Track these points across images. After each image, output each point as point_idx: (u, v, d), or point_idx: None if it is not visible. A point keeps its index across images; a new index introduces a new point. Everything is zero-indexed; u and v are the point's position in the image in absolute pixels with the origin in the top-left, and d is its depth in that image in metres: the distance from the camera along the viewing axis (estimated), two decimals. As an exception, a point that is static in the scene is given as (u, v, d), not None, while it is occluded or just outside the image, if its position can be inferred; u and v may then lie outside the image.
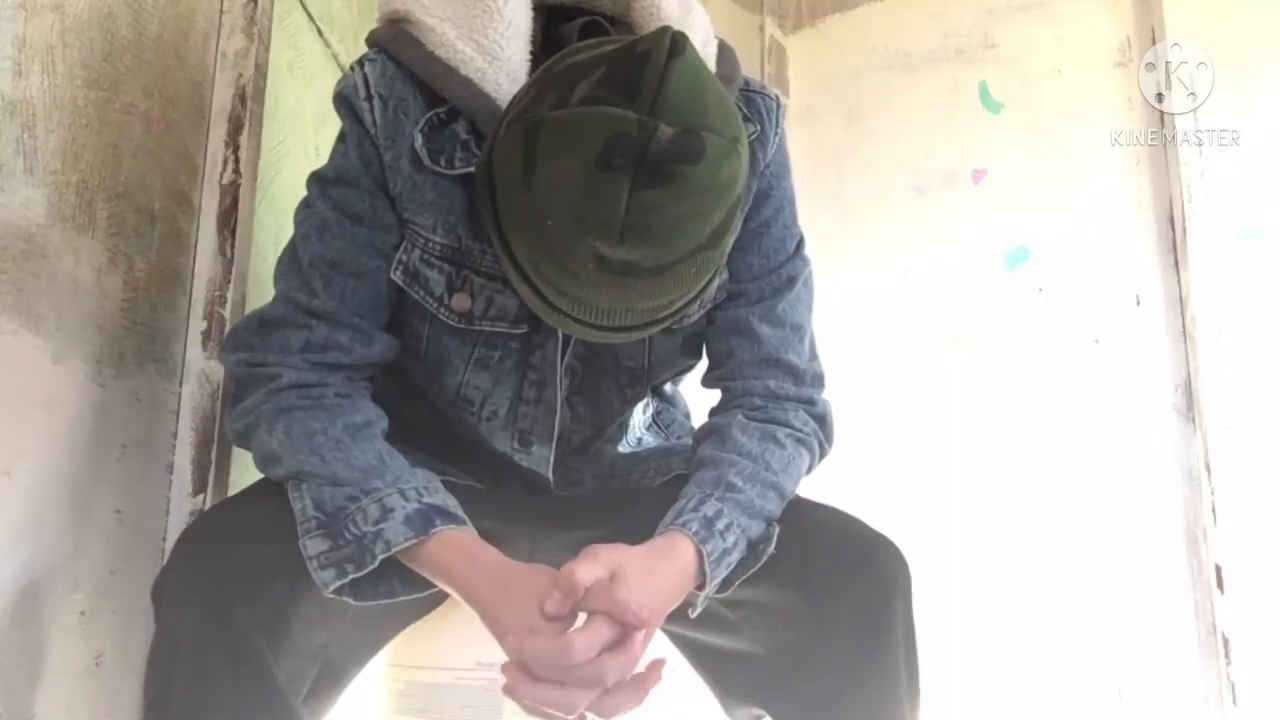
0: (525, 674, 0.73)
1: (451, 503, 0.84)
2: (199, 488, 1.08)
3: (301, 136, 1.45)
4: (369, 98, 0.89)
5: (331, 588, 0.79)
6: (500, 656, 0.76)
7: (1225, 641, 1.62)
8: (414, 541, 0.79)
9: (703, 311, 0.97)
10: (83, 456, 0.94)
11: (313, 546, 0.79)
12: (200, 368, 1.11)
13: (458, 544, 0.81)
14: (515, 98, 0.80)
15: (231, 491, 1.14)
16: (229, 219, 1.14)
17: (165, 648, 0.77)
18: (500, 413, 0.97)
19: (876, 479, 1.75)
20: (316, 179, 0.93)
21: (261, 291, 1.25)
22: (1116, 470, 1.76)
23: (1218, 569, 1.65)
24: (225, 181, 1.15)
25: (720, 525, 0.85)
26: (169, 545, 1.07)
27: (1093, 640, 1.71)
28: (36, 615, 0.88)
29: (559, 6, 0.92)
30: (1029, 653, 1.73)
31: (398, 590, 0.84)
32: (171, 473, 1.09)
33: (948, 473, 1.85)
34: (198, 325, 1.11)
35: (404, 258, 0.91)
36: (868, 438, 1.79)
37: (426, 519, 0.80)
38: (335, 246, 0.90)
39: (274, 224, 1.32)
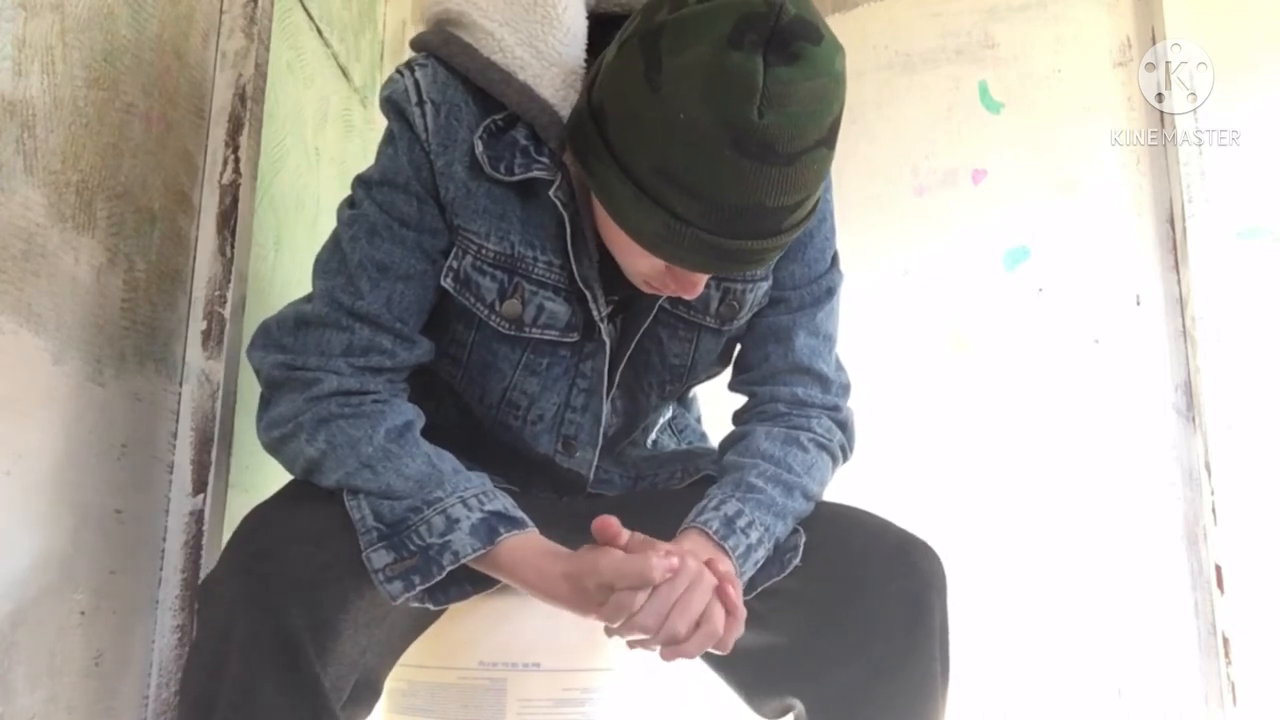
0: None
1: (510, 504, 0.84)
2: (199, 488, 1.08)
3: (301, 136, 1.45)
4: (420, 103, 0.88)
5: (400, 599, 0.79)
6: (502, 657, 0.76)
7: (1225, 641, 1.62)
8: (482, 552, 0.80)
9: (750, 314, 0.99)
10: (83, 456, 0.94)
11: (377, 559, 0.79)
12: (200, 368, 1.11)
13: (524, 550, 0.81)
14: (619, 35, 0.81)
15: (231, 492, 1.14)
16: (229, 219, 1.14)
17: (212, 648, 0.77)
18: (546, 417, 0.97)
19: (876, 479, 1.74)
20: (362, 181, 0.92)
21: (262, 291, 1.25)
22: (1116, 470, 1.76)
23: (1218, 569, 1.64)
24: (225, 181, 1.15)
25: (741, 523, 0.87)
26: (169, 545, 1.07)
27: (1093, 640, 1.71)
28: (36, 615, 0.88)
29: (609, 14, 0.92)
30: (1029, 652, 1.73)
31: (469, 591, 0.85)
32: (171, 473, 1.09)
33: (947, 473, 1.84)
34: (198, 325, 1.11)
35: (455, 264, 0.90)
36: (867, 438, 1.79)
37: (491, 528, 0.81)
38: (384, 249, 0.89)
39: (274, 224, 1.32)
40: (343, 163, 1.59)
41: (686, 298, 0.88)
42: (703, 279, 0.86)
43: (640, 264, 0.85)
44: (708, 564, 0.79)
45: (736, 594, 0.79)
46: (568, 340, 0.94)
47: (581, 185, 0.88)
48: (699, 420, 1.21)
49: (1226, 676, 1.61)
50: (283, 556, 0.78)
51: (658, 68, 0.74)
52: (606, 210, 0.82)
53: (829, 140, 0.76)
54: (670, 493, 1.04)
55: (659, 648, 0.77)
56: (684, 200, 0.76)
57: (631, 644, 0.78)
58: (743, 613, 0.79)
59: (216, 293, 1.12)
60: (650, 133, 0.75)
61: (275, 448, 0.88)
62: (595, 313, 0.92)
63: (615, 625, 0.77)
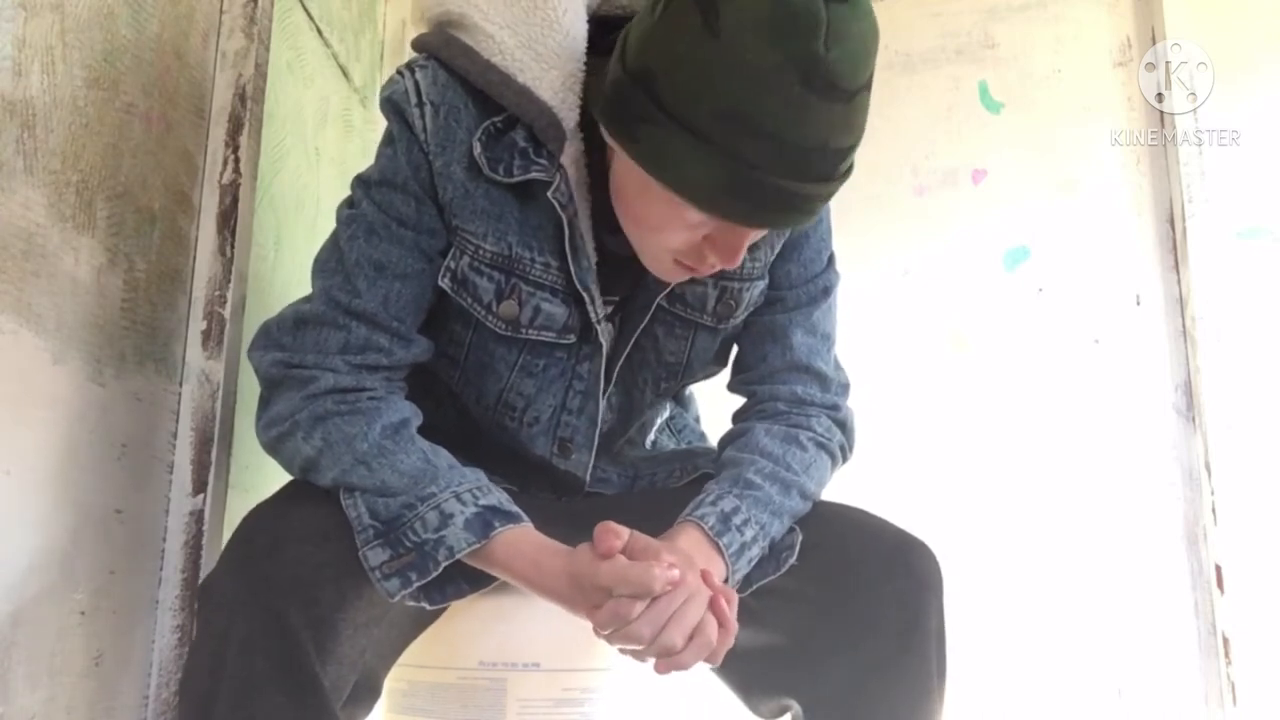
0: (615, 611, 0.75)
1: (504, 499, 0.84)
2: (199, 488, 1.08)
3: (301, 136, 1.45)
4: (420, 104, 0.88)
5: (397, 596, 0.79)
6: (501, 657, 0.76)
7: (1225, 641, 1.62)
8: (476, 546, 0.80)
9: (746, 314, 1.00)
10: (83, 456, 0.94)
11: (373, 557, 0.80)
12: (200, 368, 1.11)
13: (519, 545, 0.81)
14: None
15: (231, 492, 1.14)
16: (229, 219, 1.14)
17: (212, 648, 0.77)
18: (542, 418, 0.97)
19: (876, 479, 1.74)
20: (360, 181, 0.92)
21: (262, 291, 1.25)
22: (1116, 470, 1.76)
23: (1218, 569, 1.65)
24: (225, 181, 1.15)
25: (737, 520, 0.87)
26: (169, 545, 1.07)
27: (1093, 640, 1.71)
28: (36, 615, 0.88)
29: (610, 16, 0.92)
30: (1029, 652, 1.73)
31: (465, 589, 0.85)
32: (171, 473, 1.09)
33: (947, 473, 1.84)
34: (198, 325, 1.12)
35: (452, 264, 0.91)
36: (867, 438, 1.79)
37: (485, 522, 0.81)
38: (382, 248, 0.89)
39: (274, 224, 1.32)
40: (343, 163, 1.59)
41: (727, 268, 0.86)
42: (745, 243, 0.84)
43: (675, 239, 0.84)
44: (703, 575, 0.79)
45: (731, 608, 0.79)
46: (564, 342, 0.94)
47: (580, 187, 0.88)
48: (697, 420, 1.21)
49: (1226, 676, 1.61)
50: (281, 556, 0.78)
51: (715, 14, 0.74)
52: (655, 175, 0.79)
53: (871, 85, 0.79)
54: (669, 491, 1.04)
55: (652, 660, 0.76)
56: (752, 143, 0.75)
57: (623, 651, 0.78)
58: (734, 627, 0.79)
59: (216, 293, 1.12)
60: (713, 78, 0.75)
61: (273, 447, 0.88)
62: (592, 314, 0.92)
63: (608, 631, 0.77)
